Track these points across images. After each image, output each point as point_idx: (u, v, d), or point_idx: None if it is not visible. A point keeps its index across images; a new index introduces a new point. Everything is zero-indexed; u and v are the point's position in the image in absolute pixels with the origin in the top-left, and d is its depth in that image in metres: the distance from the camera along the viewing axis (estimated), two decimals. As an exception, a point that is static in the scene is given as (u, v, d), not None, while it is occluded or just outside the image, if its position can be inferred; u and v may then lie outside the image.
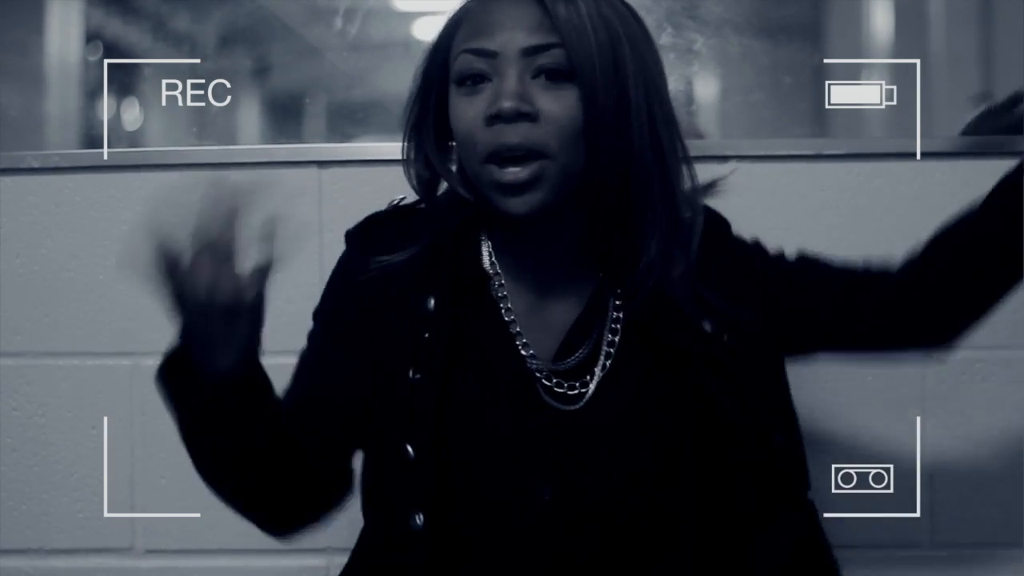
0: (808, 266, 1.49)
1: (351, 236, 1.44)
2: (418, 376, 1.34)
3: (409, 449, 1.33)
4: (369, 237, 1.42)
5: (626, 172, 1.33)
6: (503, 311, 1.39)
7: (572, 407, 1.37)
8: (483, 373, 1.36)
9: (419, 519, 1.32)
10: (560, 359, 1.38)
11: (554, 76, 1.29)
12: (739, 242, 1.48)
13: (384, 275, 1.38)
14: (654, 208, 1.34)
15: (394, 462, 1.34)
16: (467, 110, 1.32)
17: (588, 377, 1.38)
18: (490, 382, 1.36)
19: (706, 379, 1.36)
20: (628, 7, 1.36)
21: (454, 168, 1.40)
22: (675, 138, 1.36)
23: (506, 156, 1.29)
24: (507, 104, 1.28)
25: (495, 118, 1.29)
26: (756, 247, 1.49)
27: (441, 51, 1.37)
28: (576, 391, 1.38)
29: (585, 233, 1.39)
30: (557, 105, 1.29)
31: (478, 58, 1.31)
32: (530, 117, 1.29)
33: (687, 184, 1.38)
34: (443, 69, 1.36)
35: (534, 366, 1.37)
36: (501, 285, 1.40)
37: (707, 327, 1.38)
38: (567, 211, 1.35)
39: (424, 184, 1.41)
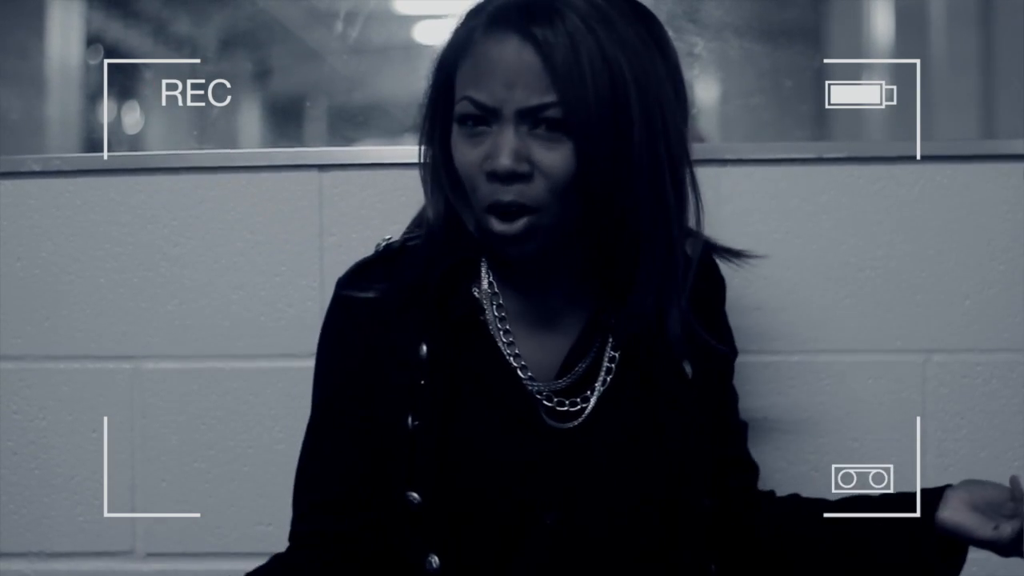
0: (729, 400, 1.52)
1: (342, 284, 1.42)
2: (417, 423, 1.34)
3: (415, 496, 1.33)
4: (359, 282, 1.40)
5: (626, 212, 1.31)
6: (502, 333, 1.39)
7: (572, 424, 1.37)
8: (483, 407, 1.36)
9: (434, 561, 1.33)
10: (561, 377, 1.39)
11: (553, 126, 1.29)
12: (724, 316, 1.52)
13: (376, 322, 1.37)
14: (652, 249, 1.33)
15: (401, 508, 1.34)
16: (468, 153, 1.32)
17: (588, 392, 1.39)
18: (490, 414, 1.36)
19: (669, 422, 1.38)
20: (647, 29, 1.33)
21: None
22: (681, 174, 1.35)
23: (502, 210, 1.30)
24: (503, 164, 1.28)
25: (492, 175, 1.30)
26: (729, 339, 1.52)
27: (445, 73, 1.35)
28: (577, 407, 1.38)
29: (587, 261, 1.39)
30: (552, 157, 1.29)
31: (477, 108, 1.31)
32: (524, 177, 1.29)
33: (691, 195, 1.37)
34: (448, 93, 1.35)
35: (534, 388, 1.37)
36: (500, 306, 1.40)
37: (688, 369, 1.39)
38: (568, 246, 1.36)
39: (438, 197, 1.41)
